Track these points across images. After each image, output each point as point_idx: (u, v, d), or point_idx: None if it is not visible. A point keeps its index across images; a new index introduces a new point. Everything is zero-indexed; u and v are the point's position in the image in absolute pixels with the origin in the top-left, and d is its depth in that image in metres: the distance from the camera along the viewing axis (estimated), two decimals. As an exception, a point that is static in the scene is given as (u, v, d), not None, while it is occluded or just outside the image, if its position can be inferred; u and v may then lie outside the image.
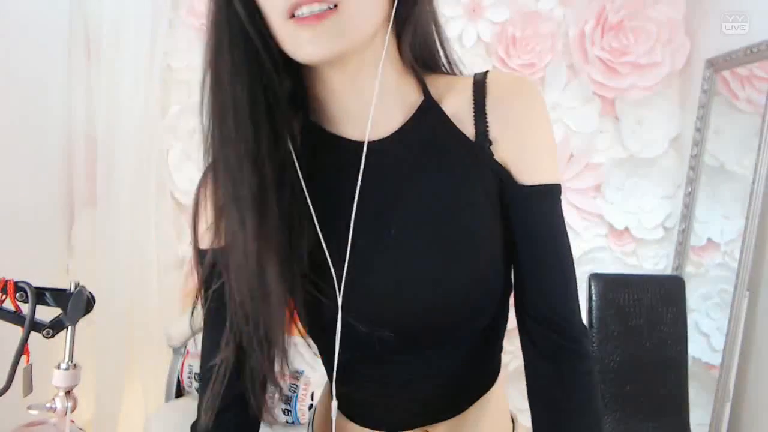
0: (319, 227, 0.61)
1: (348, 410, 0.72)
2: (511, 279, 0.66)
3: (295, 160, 0.61)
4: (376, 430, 0.71)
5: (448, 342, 0.64)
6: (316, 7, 0.50)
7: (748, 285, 1.58)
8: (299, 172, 0.61)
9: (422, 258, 0.60)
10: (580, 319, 0.64)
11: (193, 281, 0.64)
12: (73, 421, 0.87)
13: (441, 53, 0.67)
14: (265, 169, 0.56)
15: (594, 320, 1.74)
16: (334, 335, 0.60)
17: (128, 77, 2.00)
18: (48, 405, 0.85)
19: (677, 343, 1.74)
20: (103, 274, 2.01)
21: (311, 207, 0.61)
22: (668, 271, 2.02)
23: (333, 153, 0.63)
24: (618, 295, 1.76)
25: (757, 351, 1.59)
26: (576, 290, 0.63)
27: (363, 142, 0.61)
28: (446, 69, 0.68)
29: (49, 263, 1.96)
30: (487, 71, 0.63)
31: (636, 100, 1.99)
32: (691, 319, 1.81)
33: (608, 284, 1.77)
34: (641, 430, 1.70)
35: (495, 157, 0.61)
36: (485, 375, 0.71)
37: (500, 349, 0.71)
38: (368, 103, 0.60)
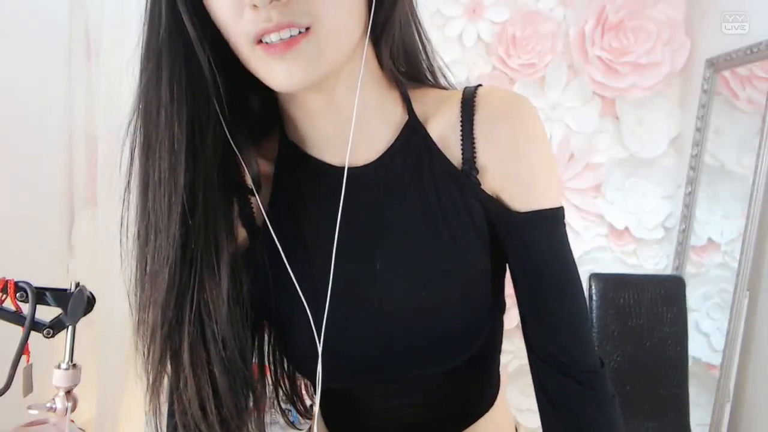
0: (292, 265, 0.56)
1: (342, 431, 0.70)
2: (501, 303, 0.61)
3: (258, 200, 0.56)
4: None
5: (437, 373, 0.60)
6: (286, 34, 0.44)
7: (748, 285, 1.58)
8: (265, 216, 0.56)
9: (409, 294, 0.56)
10: (594, 359, 0.56)
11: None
12: (73, 421, 0.87)
13: (424, 61, 0.60)
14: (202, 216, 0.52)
15: (594, 320, 1.74)
16: (315, 376, 0.55)
17: (128, 77, 1.99)
18: (48, 405, 0.85)
19: (677, 343, 1.74)
20: (103, 274, 2.00)
21: (280, 249, 0.56)
22: (668, 271, 2.01)
23: (312, 178, 0.58)
24: (618, 295, 1.75)
25: (757, 351, 1.59)
26: (587, 326, 0.57)
27: (343, 168, 0.55)
28: (429, 79, 0.62)
29: (49, 263, 1.95)
30: (478, 86, 0.57)
31: (636, 100, 1.98)
32: (691, 319, 1.81)
33: (608, 284, 1.77)
34: (641, 430, 1.70)
35: (483, 186, 0.56)
36: (483, 396, 0.67)
37: (498, 365, 0.68)
38: (347, 124, 0.54)
